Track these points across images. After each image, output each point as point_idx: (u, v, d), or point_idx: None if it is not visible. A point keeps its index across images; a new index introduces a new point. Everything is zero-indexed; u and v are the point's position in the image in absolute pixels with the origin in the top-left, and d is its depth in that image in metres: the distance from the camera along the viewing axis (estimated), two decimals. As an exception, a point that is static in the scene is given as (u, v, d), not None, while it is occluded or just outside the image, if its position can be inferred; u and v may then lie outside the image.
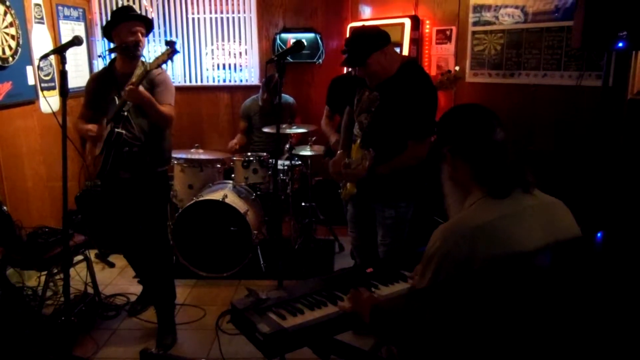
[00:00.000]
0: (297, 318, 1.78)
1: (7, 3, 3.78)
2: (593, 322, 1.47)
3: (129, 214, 3.07)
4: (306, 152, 4.30)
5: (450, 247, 1.42)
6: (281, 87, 2.65)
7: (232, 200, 3.90)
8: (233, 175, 4.26)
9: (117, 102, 2.89)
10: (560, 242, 1.50)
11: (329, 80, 4.25)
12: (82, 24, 5.01)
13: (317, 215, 4.66)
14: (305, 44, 2.67)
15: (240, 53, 5.43)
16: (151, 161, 2.99)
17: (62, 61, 2.44)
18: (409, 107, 2.57)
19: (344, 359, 2.00)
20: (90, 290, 3.44)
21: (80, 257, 3.39)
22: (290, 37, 5.15)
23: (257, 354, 1.81)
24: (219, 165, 4.39)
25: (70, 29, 4.74)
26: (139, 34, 2.88)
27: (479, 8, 4.13)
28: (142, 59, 2.95)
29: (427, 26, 4.63)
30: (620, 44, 2.69)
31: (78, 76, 4.82)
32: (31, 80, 4.09)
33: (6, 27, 3.78)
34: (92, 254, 3.80)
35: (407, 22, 4.48)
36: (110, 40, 2.95)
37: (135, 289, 3.66)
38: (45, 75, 4.28)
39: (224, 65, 5.47)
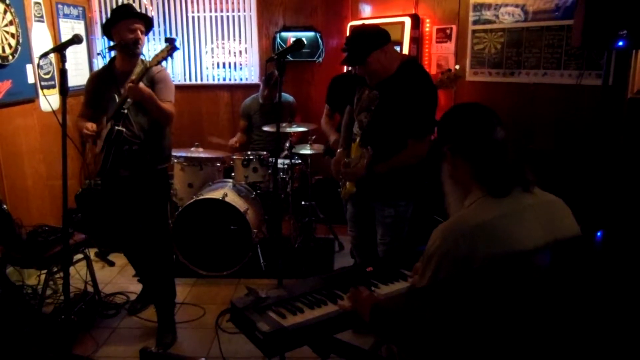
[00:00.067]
0: (297, 317, 1.78)
1: (7, 1, 3.78)
2: (593, 321, 1.47)
3: (129, 212, 3.07)
4: (306, 150, 4.30)
5: (450, 246, 1.42)
6: (281, 86, 2.65)
7: (232, 199, 3.90)
8: (233, 174, 4.26)
9: (116, 100, 2.89)
10: (560, 240, 1.50)
11: (328, 79, 4.25)
12: (82, 22, 5.01)
13: (317, 214, 4.66)
14: (305, 42, 2.66)
15: (240, 52, 5.43)
16: (151, 159, 2.99)
17: (62, 59, 2.44)
18: (408, 106, 2.57)
19: (344, 357, 2.00)
20: (90, 288, 3.44)
21: (80, 256, 3.38)
22: (290, 36, 5.15)
23: (257, 353, 1.82)
24: (218, 164, 4.39)
25: (70, 28, 4.73)
26: (139, 32, 2.87)
27: (479, 7, 4.13)
28: (142, 57, 2.95)
29: (427, 25, 4.63)
30: (621, 43, 2.69)
31: (78, 75, 4.81)
32: (31, 79, 4.09)
33: (6, 25, 3.78)
34: (92, 252, 3.80)
35: (407, 21, 4.48)
36: (110, 38, 2.94)
37: (135, 287, 3.66)
38: (45, 74, 4.28)
39: (224, 64, 5.46)
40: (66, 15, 4.70)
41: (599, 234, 1.71)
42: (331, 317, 1.80)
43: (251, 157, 4.16)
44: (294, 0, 5.22)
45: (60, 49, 2.45)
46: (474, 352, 1.41)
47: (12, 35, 3.85)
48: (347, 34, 4.91)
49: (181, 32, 5.36)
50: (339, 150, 3.01)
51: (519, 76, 3.88)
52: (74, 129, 3.16)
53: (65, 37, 4.53)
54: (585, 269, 1.53)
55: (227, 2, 5.30)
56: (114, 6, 4.99)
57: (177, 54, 5.38)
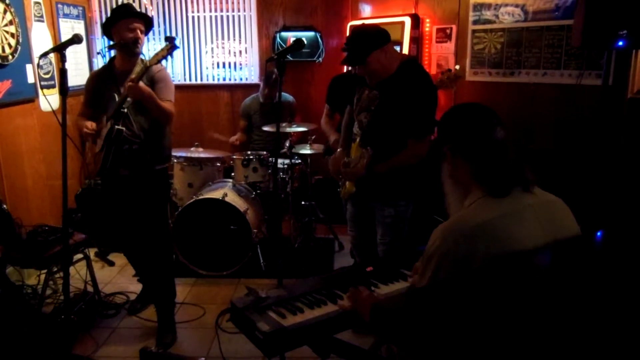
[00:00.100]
0: (297, 317, 1.77)
1: (7, 1, 3.78)
2: (592, 321, 1.47)
3: (129, 212, 3.07)
4: (306, 150, 4.30)
5: (450, 246, 1.42)
6: (281, 86, 2.65)
7: (232, 198, 3.90)
8: (233, 174, 4.26)
9: (116, 100, 2.89)
10: (560, 240, 1.50)
11: (328, 79, 4.25)
12: (82, 22, 5.00)
13: (317, 214, 4.66)
14: (305, 42, 2.66)
15: (240, 51, 5.42)
16: (151, 159, 2.99)
17: (62, 59, 2.44)
18: (408, 106, 2.57)
19: (343, 357, 2.00)
20: (90, 288, 3.44)
21: (80, 256, 3.38)
22: (290, 36, 5.15)
23: (257, 353, 1.82)
24: (218, 164, 4.39)
25: (70, 27, 4.73)
26: (138, 31, 2.87)
27: (479, 6, 4.13)
28: (142, 56, 2.95)
29: (427, 25, 4.63)
30: (620, 43, 2.69)
31: (78, 74, 4.81)
32: (31, 79, 4.09)
33: (6, 25, 3.78)
34: (92, 252, 3.80)
35: (407, 21, 4.48)
36: (110, 38, 2.94)
37: (135, 287, 3.66)
38: (45, 74, 4.28)
39: (223, 64, 5.46)
40: (66, 15, 4.70)
41: (599, 234, 1.70)
42: (331, 317, 1.80)
43: (251, 157, 4.16)
44: (294, 0, 5.22)
45: (60, 48, 2.45)
46: (474, 352, 1.41)
47: (12, 35, 3.84)
48: (347, 34, 4.91)
49: (181, 32, 5.36)
50: (338, 150, 3.01)
51: (519, 76, 3.88)
52: (74, 128, 3.16)
53: (65, 36, 4.53)
54: (585, 269, 1.53)
55: (227, 2, 5.30)
56: (114, 6, 4.99)
57: (177, 54, 5.38)
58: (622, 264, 1.59)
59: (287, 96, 4.90)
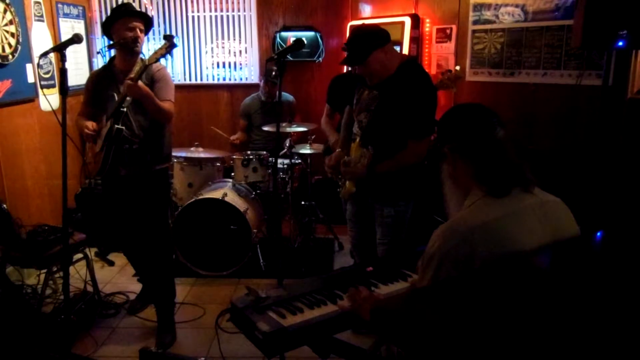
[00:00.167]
0: (297, 317, 1.77)
1: (7, 1, 3.78)
2: (593, 321, 1.47)
3: (129, 212, 3.07)
4: (306, 150, 4.30)
5: (450, 247, 1.42)
6: (281, 85, 2.65)
7: (232, 198, 3.90)
8: (233, 174, 4.26)
9: (116, 99, 2.88)
10: (560, 241, 1.50)
11: (328, 79, 4.25)
12: (82, 21, 5.00)
13: (317, 214, 4.66)
14: (305, 42, 2.66)
15: (240, 51, 5.43)
16: (151, 159, 2.99)
17: (62, 59, 2.44)
18: (408, 106, 2.57)
19: (343, 357, 2.00)
20: (89, 288, 3.44)
21: (79, 255, 3.38)
22: (290, 36, 5.15)
23: (257, 353, 1.82)
24: (218, 164, 4.39)
25: (70, 27, 4.73)
26: (138, 30, 2.87)
27: (479, 7, 4.13)
28: (142, 56, 2.94)
29: (427, 25, 4.63)
30: (620, 43, 2.69)
31: (78, 74, 4.81)
32: (31, 78, 4.09)
33: (6, 24, 3.78)
34: (91, 252, 3.80)
35: (407, 21, 4.48)
36: (109, 37, 2.94)
37: (135, 287, 3.66)
38: (45, 73, 4.28)
39: (223, 64, 5.47)
40: (66, 15, 4.70)
41: (598, 234, 1.71)
42: (331, 317, 1.80)
43: (251, 157, 4.16)
44: (294, 0, 5.21)
45: (60, 48, 2.45)
46: (475, 352, 1.41)
47: (12, 35, 3.84)
48: (347, 34, 4.91)
49: (181, 32, 5.36)
50: (337, 150, 3.00)
51: (519, 76, 3.88)
52: (74, 128, 3.16)
53: (65, 36, 4.53)
54: (585, 269, 1.53)
55: (227, 2, 5.30)
56: (114, 5, 4.99)
57: (177, 54, 5.38)
58: (622, 264, 1.59)
59: (287, 96, 4.91)
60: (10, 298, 3.06)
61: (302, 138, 4.66)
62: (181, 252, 3.91)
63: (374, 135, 2.69)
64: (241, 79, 5.47)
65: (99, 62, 5.14)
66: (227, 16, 5.34)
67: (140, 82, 2.76)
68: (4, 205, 3.10)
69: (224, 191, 3.93)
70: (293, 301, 1.86)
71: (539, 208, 1.50)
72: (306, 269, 4.03)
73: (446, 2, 4.44)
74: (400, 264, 2.15)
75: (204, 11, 5.33)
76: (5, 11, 3.77)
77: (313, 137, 4.45)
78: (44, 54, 2.58)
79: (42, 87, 4.21)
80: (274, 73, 4.53)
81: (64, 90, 2.39)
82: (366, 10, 5.12)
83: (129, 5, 3.05)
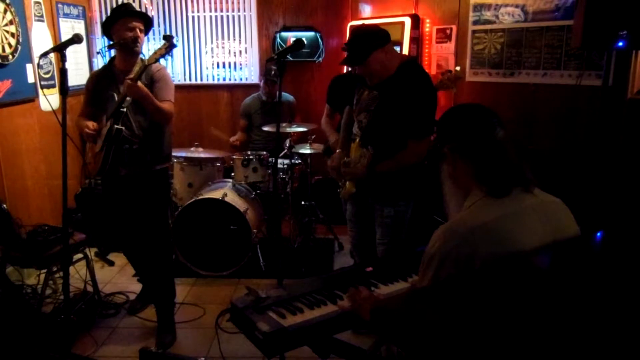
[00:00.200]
0: (297, 317, 1.77)
1: (7, 1, 3.78)
2: (593, 321, 1.47)
3: (129, 212, 3.07)
4: (306, 150, 4.30)
5: (451, 247, 1.42)
6: (281, 85, 2.65)
7: (232, 198, 3.90)
8: (233, 174, 4.26)
9: (116, 99, 2.89)
10: (560, 241, 1.50)
11: (328, 79, 4.25)
12: (82, 21, 5.01)
13: (317, 214, 4.66)
14: (305, 42, 2.66)
15: (240, 51, 5.43)
16: (151, 159, 2.99)
17: (62, 59, 2.44)
18: (408, 106, 2.57)
19: (343, 358, 2.00)
20: (89, 288, 3.44)
21: (79, 256, 3.38)
22: (290, 36, 5.15)
23: (257, 353, 1.82)
24: (218, 164, 4.39)
25: (70, 27, 4.73)
26: (137, 30, 2.87)
27: (479, 7, 4.13)
28: (142, 56, 2.94)
29: (427, 25, 4.63)
30: (620, 43, 2.69)
31: (78, 74, 4.81)
32: (31, 78, 4.09)
33: (6, 24, 3.78)
34: (91, 252, 3.80)
35: (407, 21, 4.48)
36: (109, 38, 2.94)
37: (135, 287, 3.66)
38: (45, 73, 4.28)
39: (223, 64, 5.47)
40: (66, 15, 4.70)
41: (598, 234, 1.70)
42: (331, 317, 1.80)
43: (251, 157, 4.16)
44: (294, 0, 5.22)
45: (60, 48, 2.45)
46: (475, 352, 1.41)
47: (12, 35, 3.84)
48: (347, 34, 4.91)
49: (181, 32, 5.36)
50: (337, 151, 3.01)
51: (519, 76, 3.88)
52: (75, 128, 3.16)
53: (65, 36, 4.53)
54: (586, 269, 1.53)
55: (227, 2, 5.30)
56: (114, 5, 4.99)
57: (177, 54, 5.39)
58: (622, 264, 1.59)
59: (287, 96, 4.91)
60: (10, 298, 3.06)
61: (302, 138, 4.66)
62: (181, 252, 3.91)
63: (374, 135, 2.70)
64: (241, 79, 5.47)
65: (99, 62, 5.14)
66: (227, 16, 5.34)
67: (139, 83, 2.76)
68: (4, 205, 3.10)
69: (224, 191, 3.93)
70: (293, 301, 1.86)
71: (539, 208, 1.50)
72: (306, 269, 4.03)
73: (446, 2, 4.44)
74: (400, 264, 2.15)
75: (204, 11, 5.33)
76: (5, 11, 3.77)
77: (313, 137, 4.45)
78: (44, 54, 2.58)
79: (42, 87, 4.21)
80: (272, 72, 4.53)
81: (64, 90, 2.39)
82: (366, 10, 5.12)
83: (129, 5, 3.05)
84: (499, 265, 1.39)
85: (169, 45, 2.75)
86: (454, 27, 4.38)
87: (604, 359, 1.45)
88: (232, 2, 5.30)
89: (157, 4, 5.27)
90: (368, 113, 2.73)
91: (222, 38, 5.39)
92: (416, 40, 4.59)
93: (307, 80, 5.37)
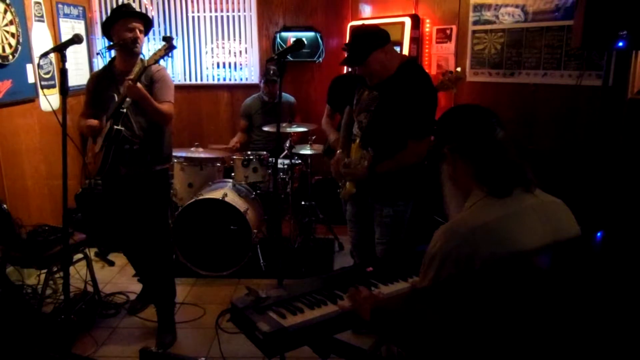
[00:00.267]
0: (297, 317, 1.77)
1: (7, 1, 3.78)
2: (593, 322, 1.47)
3: (129, 212, 3.07)
4: (306, 150, 4.30)
5: (451, 247, 1.42)
6: (281, 86, 2.65)
7: (232, 199, 3.90)
8: (233, 174, 4.26)
9: (116, 100, 2.89)
10: (560, 241, 1.50)
11: (329, 79, 4.25)
12: (82, 22, 5.01)
13: (317, 214, 4.66)
14: (305, 42, 2.66)
15: (240, 52, 5.43)
16: (151, 159, 2.99)
17: (62, 59, 2.44)
18: (408, 106, 2.57)
19: (343, 358, 2.00)
20: (90, 288, 3.44)
21: (80, 256, 3.39)
22: (291, 36, 5.15)
23: (257, 353, 1.82)
24: (219, 164, 4.39)
25: (70, 27, 4.73)
26: (137, 31, 2.87)
27: (479, 7, 4.13)
28: (142, 56, 2.94)
29: (428, 25, 4.63)
30: (621, 44, 2.69)
31: (78, 74, 4.81)
32: (31, 79, 4.09)
33: (6, 25, 3.78)
34: (92, 252, 3.80)
35: (407, 21, 4.49)
36: (109, 38, 2.94)
37: (135, 287, 3.66)
38: (45, 74, 4.28)
39: (224, 64, 5.47)
40: (66, 15, 4.70)
41: (599, 234, 1.70)
42: (331, 317, 1.80)
43: (251, 157, 4.16)
44: (294, 0, 5.22)
45: (60, 48, 2.45)
46: (475, 353, 1.41)
47: (12, 35, 3.85)
48: (347, 34, 4.92)
49: (181, 32, 5.36)
50: (338, 152, 3.01)
51: (519, 76, 3.88)
52: (75, 128, 3.16)
53: (65, 36, 4.53)
54: (586, 269, 1.53)
55: (227, 2, 5.31)
56: (114, 6, 4.99)
57: (177, 54, 5.39)
58: (622, 265, 1.59)
59: (287, 96, 4.91)
60: (10, 298, 3.07)
61: (302, 138, 4.66)
62: (181, 252, 3.91)
63: (374, 135, 2.70)
64: (241, 80, 5.48)
65: (99, 63, 5.14)
66: (227, 16, 5.34)
67: (139, 84, 2.77)
68: (4, 205, 3.10)
69: (224, 191, 3.93)
70: (293, 301, 1.86)
71: (540, 208, 1.50)
72: (306, 269, 4.03)
73: (446, 2, 4.44)
74: (400, 264, 2.15)
75: (204, 11, 5.34)
76: (5, 11, 3.77)
77: (313, 137, 4.45)
78: (44, 54, 2.58)
79: (43, 87, 4.21)
80: (271, 72, 4.54)
81: (64, 90, 2.39)
82: (366, 10, 5.12)
83: (128, 5, 3.05)
84: (500, 265, 1.39)
85: (168, 46, 2.75)
86: (454, 27, 4.38)
87: (604, 359, 1.45)
88: (232, 2, 5.30)
89: (157, 4, 5.28)
90: (368, 113, 2.73)
91: (222, 38, 5.39)
92: (416, 40, 4.59)
93: (307, 81, 5.37)
